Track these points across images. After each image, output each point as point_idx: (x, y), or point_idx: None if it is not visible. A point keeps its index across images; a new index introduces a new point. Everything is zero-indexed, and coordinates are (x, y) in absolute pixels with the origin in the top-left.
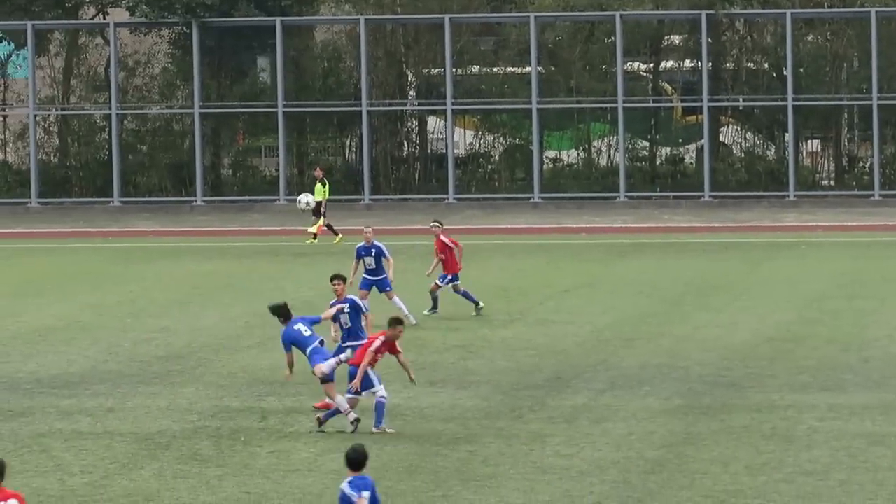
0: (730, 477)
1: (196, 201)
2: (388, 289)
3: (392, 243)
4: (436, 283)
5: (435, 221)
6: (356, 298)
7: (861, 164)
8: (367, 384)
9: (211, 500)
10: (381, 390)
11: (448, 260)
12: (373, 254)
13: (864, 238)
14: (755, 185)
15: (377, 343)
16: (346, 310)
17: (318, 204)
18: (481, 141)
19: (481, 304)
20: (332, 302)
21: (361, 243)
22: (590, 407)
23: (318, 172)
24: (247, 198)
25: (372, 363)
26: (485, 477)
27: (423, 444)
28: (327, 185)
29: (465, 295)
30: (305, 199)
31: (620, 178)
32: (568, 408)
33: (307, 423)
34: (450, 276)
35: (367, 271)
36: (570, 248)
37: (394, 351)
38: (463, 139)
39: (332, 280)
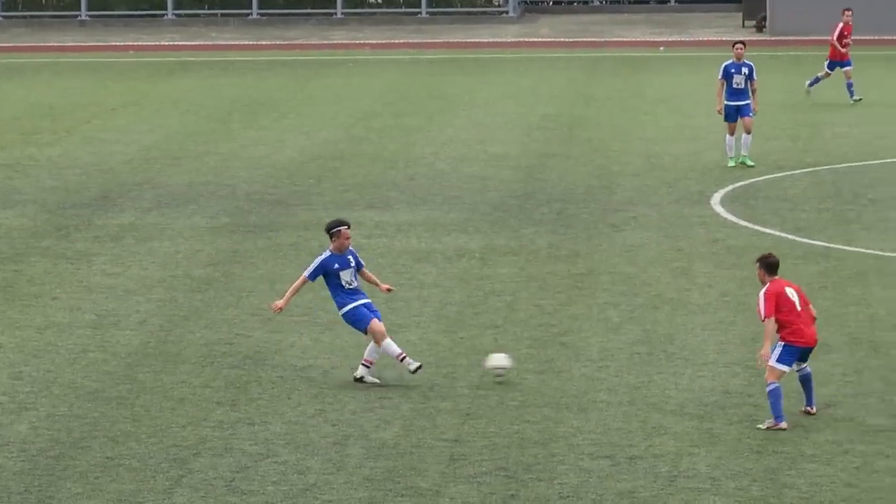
0: (277, 294)
1: None
2: None
3: None
4: None
5: None
6: None
7: None
8: None
9: None
10: None
11: None
12: None
13: (411, 56)
14: (303, 2)
15: None
16: None
17: None
18: None
19: None
20: None
21: None
22: (136, 226)
23: None
24: None
25: None
26: (30, 296)
27: None
28: None
29: None
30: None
31: None
32: (114, 226)
33: None
34: None
35: None
36: (117, 67)
37: None
38: None
39: None
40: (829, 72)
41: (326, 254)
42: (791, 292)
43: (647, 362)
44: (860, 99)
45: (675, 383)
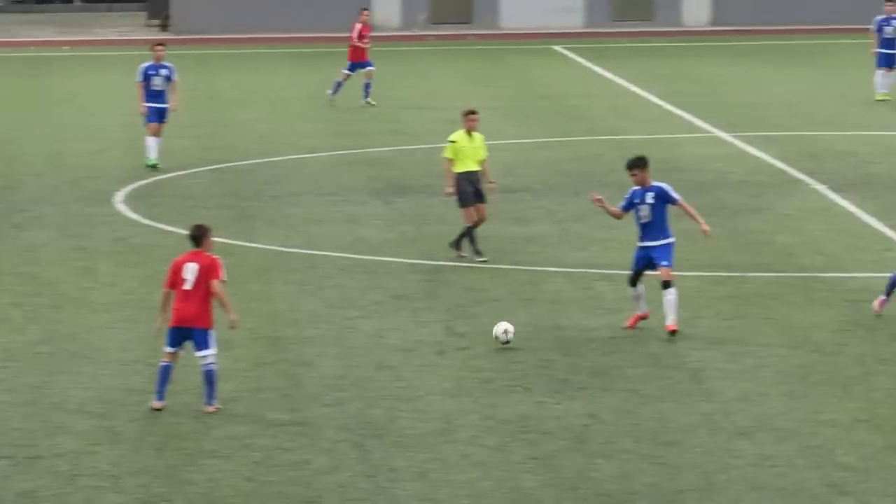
0: None
1: None
2: None
3: None
4: None
5: None
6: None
7: None
8: None
9: None
10: None
11: None
12: None
13: None
14: None
15: None
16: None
17: None
18: None
19: None
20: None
21: None
22: None
23: None
24: None
25: None
26: None
27: None
28: None
29: None
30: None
31: None
32: None
33: None
34: None
35: None
36: None
37: None
38: None
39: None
40: (349, 73)
41: None
42: (189, 268)
43: (48, 362)
44: (374, 104)
45: (77, 382)
